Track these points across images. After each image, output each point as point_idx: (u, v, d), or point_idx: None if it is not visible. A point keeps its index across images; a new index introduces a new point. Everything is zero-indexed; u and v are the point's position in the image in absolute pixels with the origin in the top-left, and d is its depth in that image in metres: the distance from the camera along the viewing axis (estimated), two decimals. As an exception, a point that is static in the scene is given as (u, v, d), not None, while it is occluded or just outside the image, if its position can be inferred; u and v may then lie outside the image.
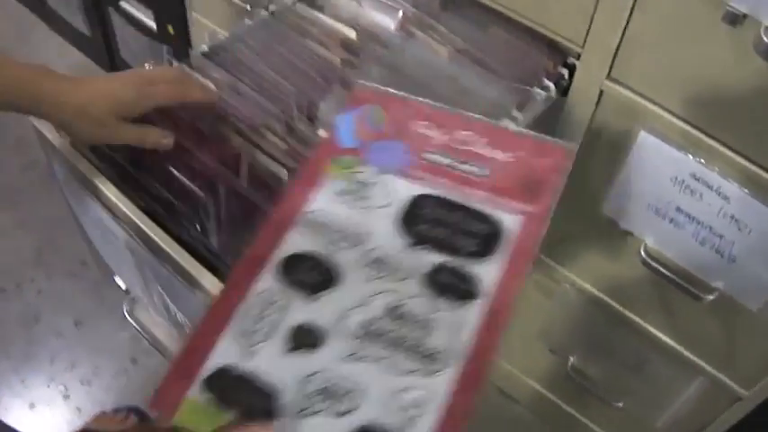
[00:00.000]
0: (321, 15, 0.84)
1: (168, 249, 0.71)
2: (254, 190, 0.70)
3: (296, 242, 0.52)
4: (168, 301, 0.78)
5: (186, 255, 0.69)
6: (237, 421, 0.45)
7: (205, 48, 0.81)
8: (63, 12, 2.00)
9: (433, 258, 0.52)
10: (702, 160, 0.81)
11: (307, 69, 0.76)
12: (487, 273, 0.51)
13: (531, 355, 1.29)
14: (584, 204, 0.97)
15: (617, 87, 0.83)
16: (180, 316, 0.78)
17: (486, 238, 0.52)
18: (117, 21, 1.76)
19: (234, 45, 0.81)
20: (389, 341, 0.48)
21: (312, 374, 0.47)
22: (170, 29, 1.53)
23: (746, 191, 0.80)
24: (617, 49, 0.81)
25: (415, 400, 0.46)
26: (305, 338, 0.48)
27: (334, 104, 0.72)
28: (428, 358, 0.47)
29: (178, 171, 0.75)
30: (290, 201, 0.54)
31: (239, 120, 0.75)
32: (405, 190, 0.54)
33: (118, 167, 0.78)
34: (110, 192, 0.74)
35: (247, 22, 0.85)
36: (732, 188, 0.81)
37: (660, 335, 1.03)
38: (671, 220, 0.88)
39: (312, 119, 0.74)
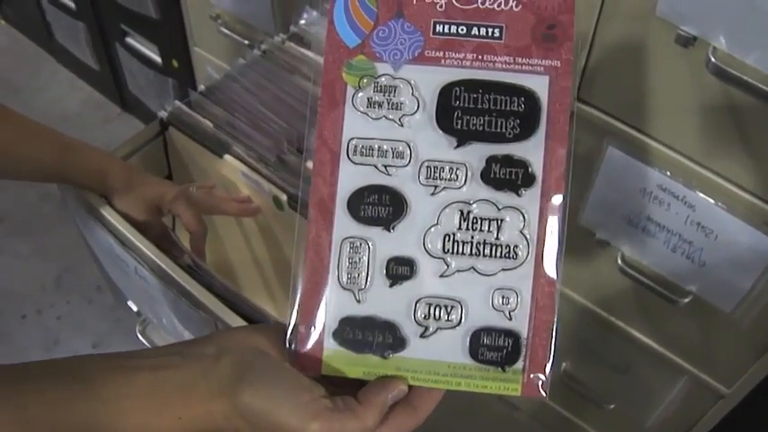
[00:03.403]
0: (309, 53, 0.91)
1: (173, 274, 0.77)
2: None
3: (350, 178, 0.52)
4: (176, 320, 0.84)
5: (188, 278, 0.76)
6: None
7: (202, 87, 0.88)
8: (71, 47, 2.06)
9: (482, 152, 0.51)
10: (668, 172, 0.87)
11: (295, 105, 0.83)
12: (534, 152, 0.51)
13: (528, 362, 1.33)
14: (564, 217, 1.02)
15: (585, 107, 0.89)
16: (187, 334, 0.84)
17: (525, 115, 0.51)
18: (124, 55, 1.82)
19: (228, 84, 0.88)
20: (470, 249, 0.51)
21: (417, 301, 0.51)
22: (174, 63, 1.60)
23: (710, 199, 0.85)
24: (583, 71, 0.87)
25: (508, 295, 0.51)
26: (399, 272, 0.51)
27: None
28: (508, 255, 0.51)
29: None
30: (325, 132, 0.52)
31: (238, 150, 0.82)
32: (429, 82, 0.52)
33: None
34: (118, 222, 0.81)
35: (241, 61, 0.92)
36: (696, 197, 0.85)
37: (643, 338, 1.07)
38: (643, 230, 0.94)
39: (301, 151, 0.80)
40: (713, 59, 0.74)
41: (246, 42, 1.27)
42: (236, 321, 0.74)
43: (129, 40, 1.76)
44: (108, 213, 0.82)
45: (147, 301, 0.91)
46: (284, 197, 0.81)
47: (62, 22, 1.99)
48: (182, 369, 0.49)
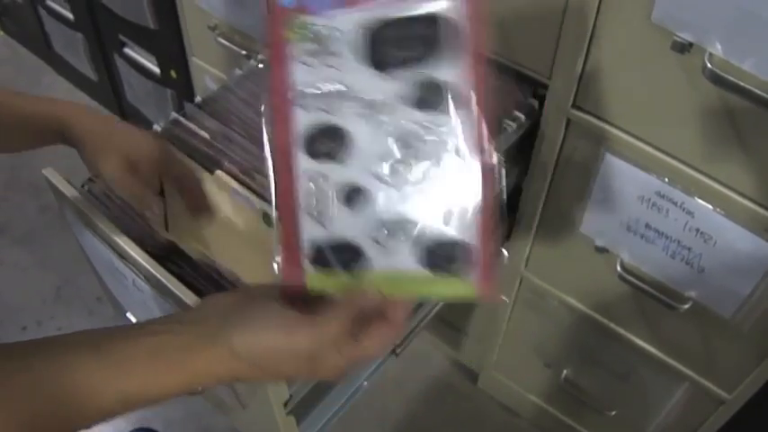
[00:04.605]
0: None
1: (171, 287, 0.77)
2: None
3: (302, 121, 0.58)
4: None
5: (186, 290, 0.76)
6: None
7: (199, 98, 0.88)
8: (70, 58, 2.06)
9: (407, 78, 0.57)
10: (666, 179, 0.87)
11: (291, 114, 0.83)
12: (453, 70, 0.56)
13: (529, 370, 1.34)
14: (563, 224, 1.02)
15: (582, 114, 0.89)
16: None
17: (441, 38, 0.56)
18: (122, 66, 1.82)
19: (225, 95, 0.88)
20: (412, 170, 0.57)
21: (376, 220, 0.58)
22: (173, 73, 1.60)
23: (709, 205, 0.85)
24: (579, 79, 0.87)
25: (453, 208, 0.57)
26: (355, 197, 0.58)
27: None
28: (446, 167, 0.57)
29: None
30: (277, 82, 0.58)
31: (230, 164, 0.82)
32: (354, 25, 0.58)
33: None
34: (115, 235, 0.81)
35: (238, 71, 0.92)
36: (695, 203, 0.86)
37: (644, 344, 1.07)
38: (642, 236, 0.93)
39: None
40: (709, 65, 0.74)
41: (244, 53, 1.27)
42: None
43: (128, 50, 1.76)
44: (105, 226, 0.82)
45: (146, 313, 0.90)
46: (274, 213, 0.81)
47: (61, 33, 1.99)
48: (180, 333, 0.55)
